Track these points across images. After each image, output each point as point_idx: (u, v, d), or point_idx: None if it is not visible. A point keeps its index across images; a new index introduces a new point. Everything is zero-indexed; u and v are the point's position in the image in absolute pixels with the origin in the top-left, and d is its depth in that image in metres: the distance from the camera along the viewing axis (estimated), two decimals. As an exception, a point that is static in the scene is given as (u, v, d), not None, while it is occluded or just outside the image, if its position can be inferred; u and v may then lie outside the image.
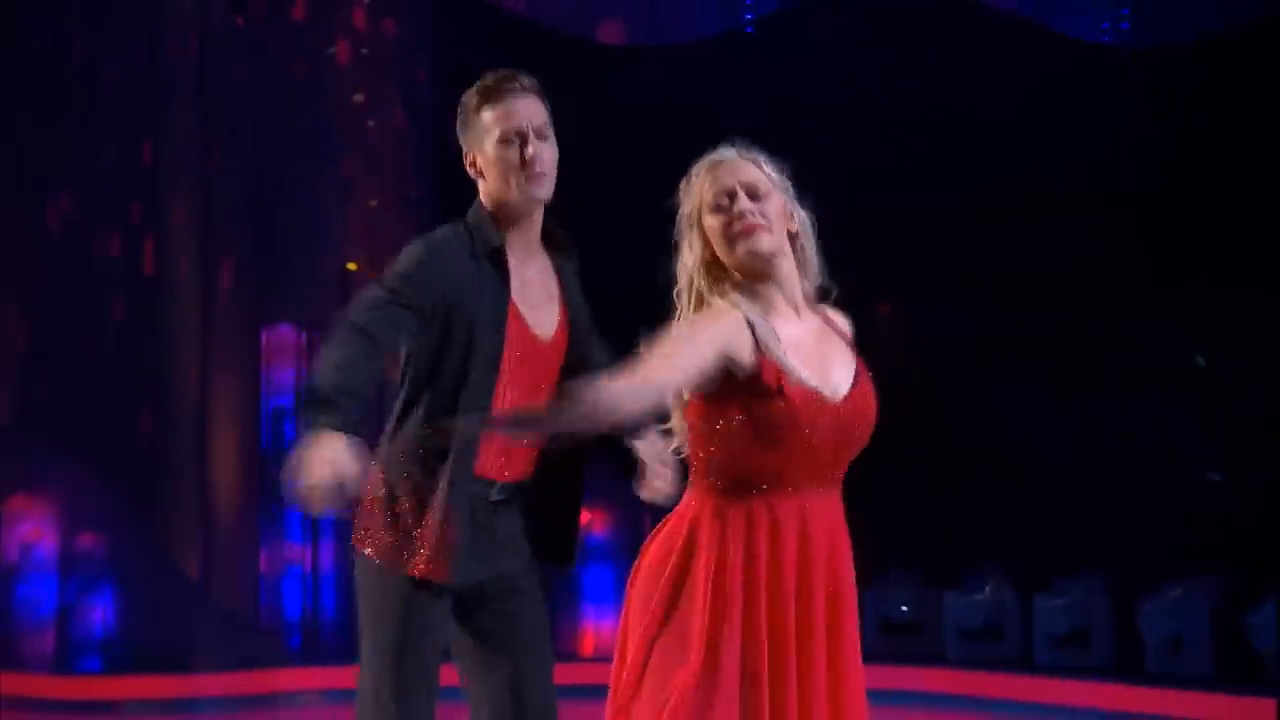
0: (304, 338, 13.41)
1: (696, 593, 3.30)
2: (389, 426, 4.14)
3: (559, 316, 4.08)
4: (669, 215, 3.66)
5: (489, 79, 4.08)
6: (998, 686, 10.97)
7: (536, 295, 4.08)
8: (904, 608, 11.57)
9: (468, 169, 4.12)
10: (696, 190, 3.45)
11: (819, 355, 3.39)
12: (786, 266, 3.41)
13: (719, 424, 3.32)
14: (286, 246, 13.50)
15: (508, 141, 4.00)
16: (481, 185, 4.10)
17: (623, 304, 4.49)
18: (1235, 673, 10.96)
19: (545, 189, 4.04)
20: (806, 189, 3.68)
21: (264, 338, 13.37)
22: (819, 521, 3.35)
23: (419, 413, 4.04)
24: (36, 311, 12.60)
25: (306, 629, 13.28)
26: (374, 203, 13.78)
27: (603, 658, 13.23)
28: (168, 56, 13.04)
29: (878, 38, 12.89)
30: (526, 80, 4.09)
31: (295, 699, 11.79)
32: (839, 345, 3.46)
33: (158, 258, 13.07)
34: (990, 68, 12.74)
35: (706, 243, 3.41)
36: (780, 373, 3.28)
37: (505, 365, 4.00)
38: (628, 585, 3.47)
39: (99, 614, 12.16)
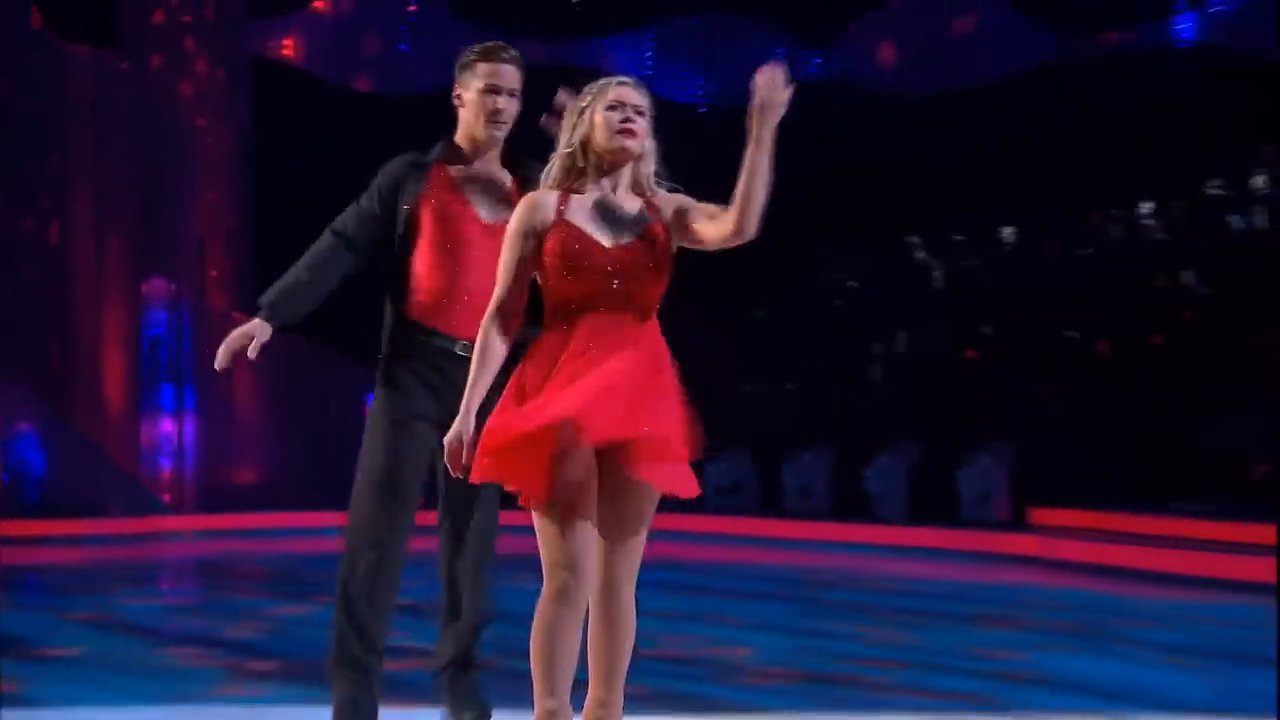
0: (173, 287, 15.83)
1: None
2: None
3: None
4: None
5: (490, 44, 4.48)
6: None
7: (487, 192, 4.50)
8: None
9: (453, 99, 4.49)
10: (599, 92, 3.73)
11: (611, 217, 3.72)
12: (631, 167, 3.77)
13: (544, 261, 3.68)
14: (156, 223, 15.86)
15: (488, 92, 4.42)
16: (461, 115, 4.50)
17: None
18: (849, 509, 13.45)
19: (502, 131, 4.47)
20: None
21: (143, 288, 15.70)
22: (608, 334, 3.63)
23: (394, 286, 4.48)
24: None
25: (176, 486, 15.78)
26: (212, 195, 16.46)
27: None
28: (71, 90, 15.35)
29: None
30: (512, 52, 4.48)
31: (171, 536, 13.98)
32: (637, 213, 3.74)
33: (62, 232, 15.24)
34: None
35: (590, 129, 3.72)
36: (565, 222, 3.68)
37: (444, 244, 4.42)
38: None
39: (32, 475, 14.15)
